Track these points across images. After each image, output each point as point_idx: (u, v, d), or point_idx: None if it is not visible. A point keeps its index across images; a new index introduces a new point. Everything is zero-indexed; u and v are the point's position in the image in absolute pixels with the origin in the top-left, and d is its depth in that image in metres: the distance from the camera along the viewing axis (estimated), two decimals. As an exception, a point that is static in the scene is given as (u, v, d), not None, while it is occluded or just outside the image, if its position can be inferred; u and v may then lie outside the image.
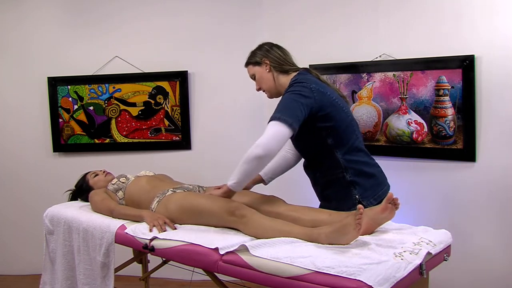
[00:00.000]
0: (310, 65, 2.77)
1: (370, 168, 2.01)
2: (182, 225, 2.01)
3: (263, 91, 2.10)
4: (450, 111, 2.48)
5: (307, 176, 2.17)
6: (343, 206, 1.89)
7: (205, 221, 1.97)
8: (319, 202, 2.16)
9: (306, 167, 2.13)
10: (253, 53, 2.09)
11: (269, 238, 1.73)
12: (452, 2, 2.45)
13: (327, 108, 1.89)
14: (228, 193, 1.92)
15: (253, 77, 2.10)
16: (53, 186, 3.25)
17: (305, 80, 1.91)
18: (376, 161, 2.06)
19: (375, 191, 1.94)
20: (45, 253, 2.39)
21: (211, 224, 1.96)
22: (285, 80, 2.02)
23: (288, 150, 2.24)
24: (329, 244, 1.65)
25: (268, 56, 2.04)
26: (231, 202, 1.91)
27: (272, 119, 1.80)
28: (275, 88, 2.05)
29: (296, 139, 1.99)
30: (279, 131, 1.78)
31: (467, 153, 2.45)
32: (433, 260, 1.70)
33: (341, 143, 1.93)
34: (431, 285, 1.82)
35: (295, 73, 2.02)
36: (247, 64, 2.12)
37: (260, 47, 2.09)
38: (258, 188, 2.21)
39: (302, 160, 2.29)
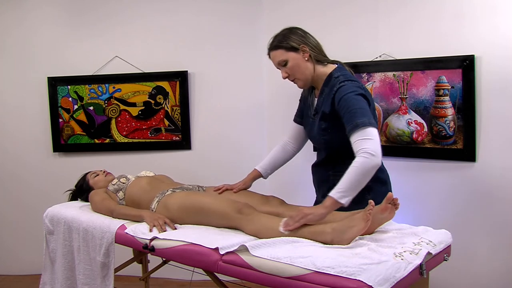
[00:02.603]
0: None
1: (383, 174, 2.00)
2: (182, 225, 2.02)
3: (292, 80, 1.96)
4: (450, 111, 2.48)
5: (306, 177, 2.16)
6: (352, 208, 1.85)
7: (207, 220, 1.97)
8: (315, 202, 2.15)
9: (318, 165, 2.07)
10: (285, 37, 1.90)
11: (272, 235, 1.73)
12: (452, 2, 2.45)
13: (371, 108, 1.86)
14: (331, 207, 1.68)
15: (283, 63, 1.91)
16: (53, 186, 3.25)
17: (354, 79, 1.88)
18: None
19: (384, 198, 1.92)
20: (45, 253, 2.39)
21: (212, 224, 1.96)
22: (322, 70, 1.93)
23: (288, 142, 2.21)
24: (333, 240, 1.66)
25: (306, 43, 1.90)
26: (238, 202, 1.92)
27: (369, 124, 1.71)
28: (312, 78, 1.94)
29: (328, 134, 1.92)
30: (377, 134, 1.71)
31: (467, 153, 2.45)
32: (433, 260, 1.70)
33: None
34: (431, 285, 1.82)
35: (333, 66, 1.95)
36: (277, 48, 1.91)
37: (293, 31, 1.92)
38: (258, 188, 2.21)
39: (303, 158, 2.28)
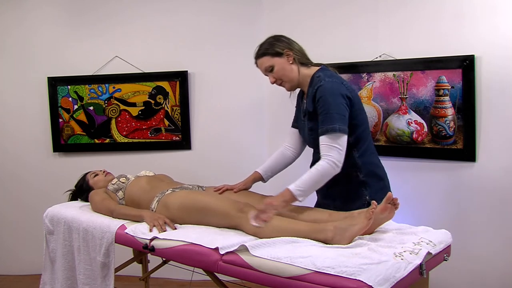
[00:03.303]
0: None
1: (380, 170, 2.04)
2: (182, 225, 2.02)
3: (280, 84, 2.03)
4: (450, 111, 2.48)
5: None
6: (350, 206, 1.88)
7: (207, 220, 1.97)
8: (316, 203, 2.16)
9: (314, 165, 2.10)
10: (270, 44, 1.99)
11: (273, 233, 1.74)
12: (452, 1, 2.45)
13: (355, 105, 1.91)
14: (290, 202, 1.80)
15: (269, 68, 2.00)
16: (53, 186, 3.25)
17: (337, 77, 1.93)
18: (376, 161, 2.06)
19: (383, 194, 1.92)
20: (45, 253, 2.39)
21: (213, 223, 1.96)
22: (306, 72, 1.99)
23: (287, 147, 2.23)
24: (334, 237, 1.67)
25: (290, 48, 1.98)
26: (238, 201, 1.94)
27: (339, 131, 1.80)
28: (297, 80, 2.01)
29: (315, 133, 1.95)
30: (345, 143, 1.81)
31: (467, 153, 2.45)
32: (433, 260, 1.70)
33: (360, 142, 1.94)
34: (431, 285, 1.82)
35: (316, 68, 2.00)
36: (263, 55, 2.00)
37: (277, 38, 2.01)
38: (258, 188, 2.21)
39: (302, 159, 2.29)
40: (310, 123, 1.97)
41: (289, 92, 2.10)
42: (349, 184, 1.96)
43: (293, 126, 2.22)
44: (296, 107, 2.21)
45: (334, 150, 1.78)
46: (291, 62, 1.98)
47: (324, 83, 1.87)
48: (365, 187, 1.94)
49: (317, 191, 2.13)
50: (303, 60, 2.01)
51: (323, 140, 1.81)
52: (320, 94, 1.87)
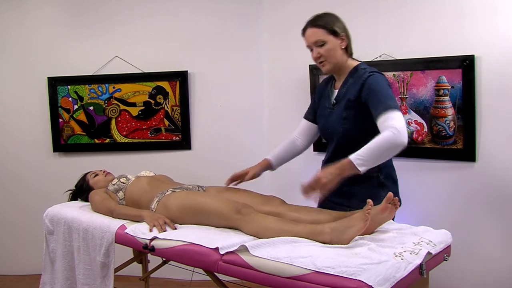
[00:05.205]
0: (310, 66, 2.78)
1: (395, 174, 2.05)
2: (182, 225, 2.02)
3: (321, 62, 1.97)
4: (450, 111, 2.48)
5: (307, 177, 2.15)
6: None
7: (206, 220, 1.97)
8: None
9: (332, 160, 1.97)
10: (331, 20, 1.95)
11: (271, 235, 1.74)
12: (452, 2, 2.45)
13: None
14: (347, 172, 1.71)
15: (320, 43, 1.93)
16: (53, 186, 3.25)
17: (380, 72, 1.94)
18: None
19: (396, 196, 1.88)
20: (45, 253, 2.39)
21: (212, 224, 1.96)
22: (350, 63, 1.99)
23: (297, 137, 2.22)
24: (332, 240, 1.67)
25: (346, 34, 1.96)
26: (237, 202, 1.93)
27: (395, 107, 1.76)
28: (340, 66, 1.98)
29: (348, 122, 1.94)
30: (403, 117, 1.77)
31: (467, 153, 2.45)
32: (433, 260, 1.70)
33: None
34: (431, 285, 1.82)
35: (356, 61, 2.01)
36: (321, 27, 1.93)
37: (337, 18, 1.98)
38: (258, 188, 2.21)
39: (303, 159, 2.28)
40: (346, 112, 1.93)
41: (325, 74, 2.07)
42: (368, 185, 1.94)
43: (306, 118, 2.21)
44: (314, 99, 2.18)
45: (394, 120, 1.72)
46: (343, 47, 1.96)
47: (374, 74, 1.89)
48: (383, 189, 1.93)
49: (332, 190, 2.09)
50: (351, 50, 2.01)
51: (383, 117, 1.76)
52: (371, 82, 1.86)
